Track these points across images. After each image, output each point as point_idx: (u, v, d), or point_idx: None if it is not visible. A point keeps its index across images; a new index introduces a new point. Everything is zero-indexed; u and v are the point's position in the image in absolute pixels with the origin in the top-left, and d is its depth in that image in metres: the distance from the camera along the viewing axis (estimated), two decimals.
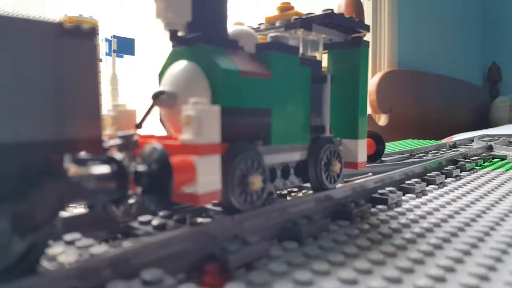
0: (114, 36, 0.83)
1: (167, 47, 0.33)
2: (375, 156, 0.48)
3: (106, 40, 0.85)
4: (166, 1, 0.29)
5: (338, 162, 0.39)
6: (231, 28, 0.34)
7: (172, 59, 0.32)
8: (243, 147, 0.30)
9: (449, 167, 0.61)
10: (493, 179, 0.58)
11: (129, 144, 0.25)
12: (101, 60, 0.80)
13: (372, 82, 1.60)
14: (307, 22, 0.37)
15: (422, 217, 0.38)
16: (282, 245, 0.30)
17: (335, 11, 0.38)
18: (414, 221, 0.36)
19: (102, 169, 0.22)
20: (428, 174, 0.55)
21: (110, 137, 0.28)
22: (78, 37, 0.21)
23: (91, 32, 0.22)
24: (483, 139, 1.09)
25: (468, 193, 0.48)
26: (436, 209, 0.40)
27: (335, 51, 0.42)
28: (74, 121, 0.21)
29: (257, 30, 0.40)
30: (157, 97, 0.30)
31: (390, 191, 0.43)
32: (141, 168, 0.24)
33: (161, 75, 0.33)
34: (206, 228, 0.27)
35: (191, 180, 0.25)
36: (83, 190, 0.21)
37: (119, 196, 0.23)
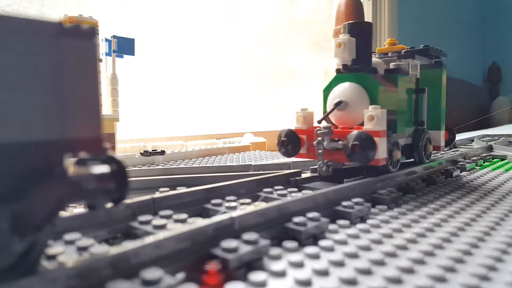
0: (114, 36, 0.82)
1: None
2: (449, 142, 0.68)
3: (106, 40, 0.84)
4: (344, 48, 0.47)
5: (430, 145, 0.58)
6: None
7: (337, 80, 0.50)
8: (390, 134, 0.47)
9: (449, 167, 0.61)
10: (493, 179, 0.58)
11: (330, 132, 0.45)
12: (101, 60, 0.80)
13: None
14: (412, 53, 0.57)
15: (422, 217, 0.38)
16: (282, 245, 0.30)
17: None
18: (414, 221, 0.36)
19: (102, 169, 0.22)
20: (428, 174, 0.55)
21: (301, 131, 0.49)
22: (78, 37, 0.21)
23: (91, 32, 0.22)
24: (483, 139, 1.09)
25: (468, 193, 0.48)
26: (436, 209, 0.40)
27: (425, 71, 0.61)
28: (74, 121, 0.21)
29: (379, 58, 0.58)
30: (338, 104, 0.48)
31: (390, 192, 0.43)
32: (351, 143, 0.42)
33: (326, 90, 0.51)
34: (206, 228, 0.27)
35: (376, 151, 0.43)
36: (83, 190, 0.21)
37: (119, 196, 0.23)
